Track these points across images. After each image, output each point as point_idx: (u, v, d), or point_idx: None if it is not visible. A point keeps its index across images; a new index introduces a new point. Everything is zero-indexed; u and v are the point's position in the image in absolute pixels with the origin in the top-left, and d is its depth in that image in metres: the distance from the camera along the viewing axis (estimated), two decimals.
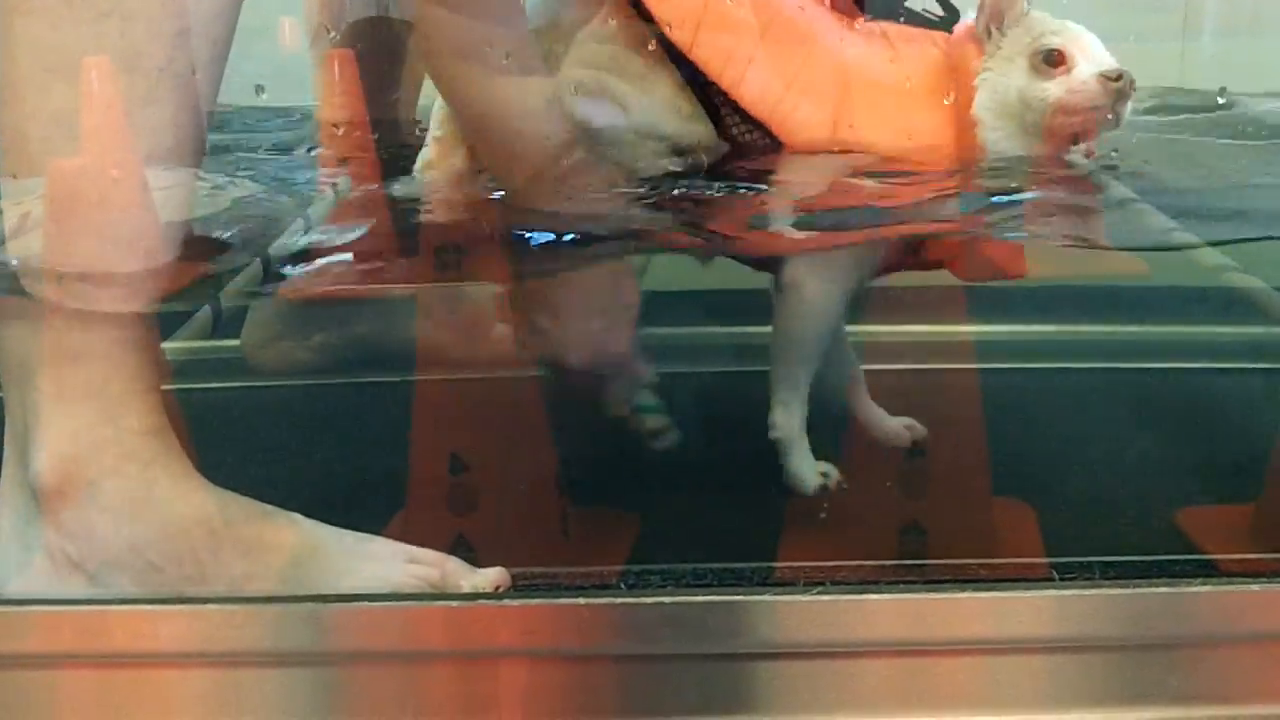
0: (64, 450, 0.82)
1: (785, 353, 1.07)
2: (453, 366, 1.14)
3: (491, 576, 0.85)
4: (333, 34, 1.23)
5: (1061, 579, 0.89)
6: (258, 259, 1.18)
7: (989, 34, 1.05)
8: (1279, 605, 0.81)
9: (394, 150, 1.16)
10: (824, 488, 1.05)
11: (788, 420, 1.06)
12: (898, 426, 1.13)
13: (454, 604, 0.82)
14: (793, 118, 1.04)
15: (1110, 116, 1.01)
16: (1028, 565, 0.96)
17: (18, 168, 0.82)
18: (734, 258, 1.08)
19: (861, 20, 1.09)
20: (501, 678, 0.80)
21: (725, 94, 1.04)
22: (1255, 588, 0.81)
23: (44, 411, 0.82)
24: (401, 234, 1.04)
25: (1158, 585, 0.81)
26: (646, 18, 1.04)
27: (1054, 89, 1.01)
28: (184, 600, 0.82)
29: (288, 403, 1.32)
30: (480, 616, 0.81)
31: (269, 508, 0.86)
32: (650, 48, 1.04)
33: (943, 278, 1.08)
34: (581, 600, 0.80)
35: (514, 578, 0.85)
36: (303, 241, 0.99)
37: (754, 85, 1.04)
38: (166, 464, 0.84)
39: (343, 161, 1.11)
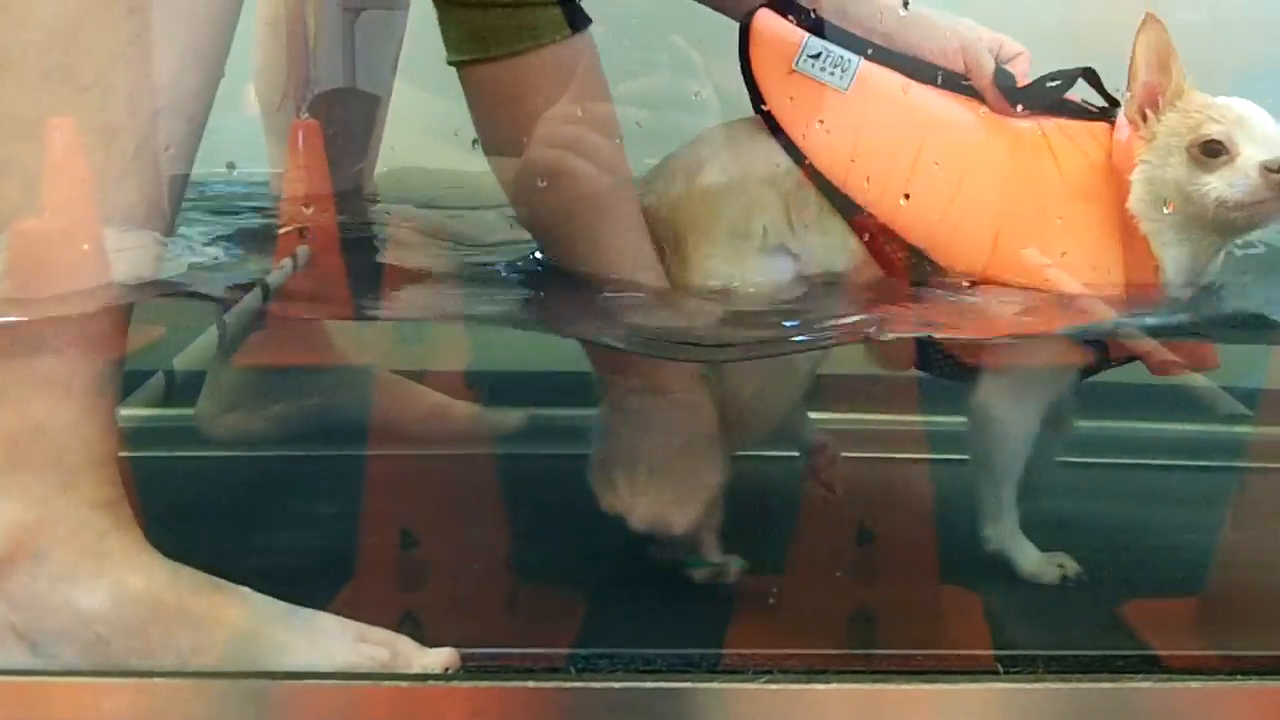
0: (16, 518, 0.82)
1: (983, 473, 1.08)
2: (407, 441, 1.14)
3: (442, 657, 0.85)
4: (299, 106, 1.23)
5: (1007, 672, 0.89)
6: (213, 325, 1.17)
7: (1144, 119, 0.98)
8: (1219, 703, 0.82)
9: (354, 222, 1.16)
10: (1064, 577, 1.08)
11: (999, 531, 1.09)
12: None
13: (403, 684, 0.82)
14: (952, 241, 0.99)
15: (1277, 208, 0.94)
16: (974, 657, 0.97)
17: None
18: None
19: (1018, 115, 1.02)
20: None
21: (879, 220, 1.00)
22: (1195, 685, 0.82)
23: None
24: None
25: (1101, 680, 0.82)
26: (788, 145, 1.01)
27: (1215, 184, 0.95)
28: (130, 673, 0.81)
29: (240, 473, 1.31)
30: (429, 697, 0.81)
31: (219, 581, 0.86)
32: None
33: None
34: (530, 683, 0.80)
35: (463, 658, 0.85)
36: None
37: (910, 211, 0.99)
38: (119, 536, 0.84)
39: (302, 232, 1.11)
